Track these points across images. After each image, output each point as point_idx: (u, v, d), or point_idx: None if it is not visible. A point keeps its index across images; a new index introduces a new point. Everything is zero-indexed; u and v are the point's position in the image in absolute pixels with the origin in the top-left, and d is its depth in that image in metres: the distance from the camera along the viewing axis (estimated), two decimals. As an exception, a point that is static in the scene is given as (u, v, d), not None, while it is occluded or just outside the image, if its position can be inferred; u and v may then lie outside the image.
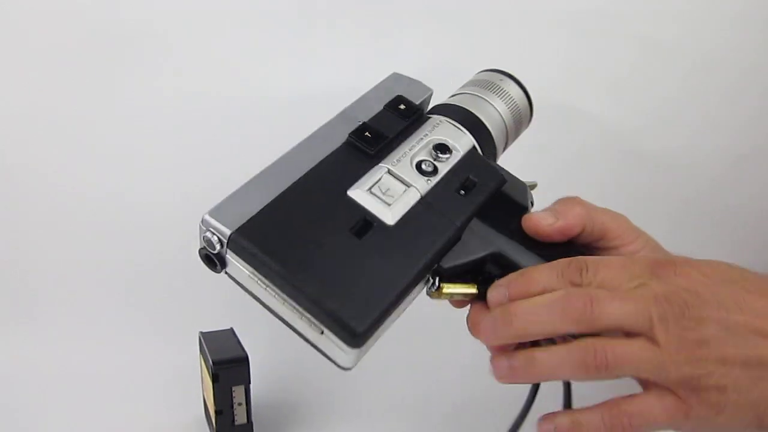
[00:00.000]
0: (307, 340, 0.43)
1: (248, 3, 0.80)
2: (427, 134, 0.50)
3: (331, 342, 0.41)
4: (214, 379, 0.61)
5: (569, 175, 0.71)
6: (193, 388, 0.70)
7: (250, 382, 0.62)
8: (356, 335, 0.40)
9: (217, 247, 0.43)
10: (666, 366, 0.39)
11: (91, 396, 0.73)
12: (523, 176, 0.53)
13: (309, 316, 0.41)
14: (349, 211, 0.45)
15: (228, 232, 0.42)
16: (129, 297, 0.83)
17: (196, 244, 0.77)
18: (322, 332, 0.41)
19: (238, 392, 0.62)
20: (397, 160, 0.48)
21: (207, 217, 0.43)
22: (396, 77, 0.54)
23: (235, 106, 0.82)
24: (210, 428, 0.67)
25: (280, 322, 0.44)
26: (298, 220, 0.44)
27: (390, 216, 0.45)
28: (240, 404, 0.63)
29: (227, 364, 0.62)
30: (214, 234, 0.42)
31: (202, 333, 0.67)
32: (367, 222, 0.44)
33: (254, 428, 0.64)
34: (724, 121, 0.74)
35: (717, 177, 0.74)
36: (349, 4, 0.78)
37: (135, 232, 0.83)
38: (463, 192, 0.48)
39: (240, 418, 0.63)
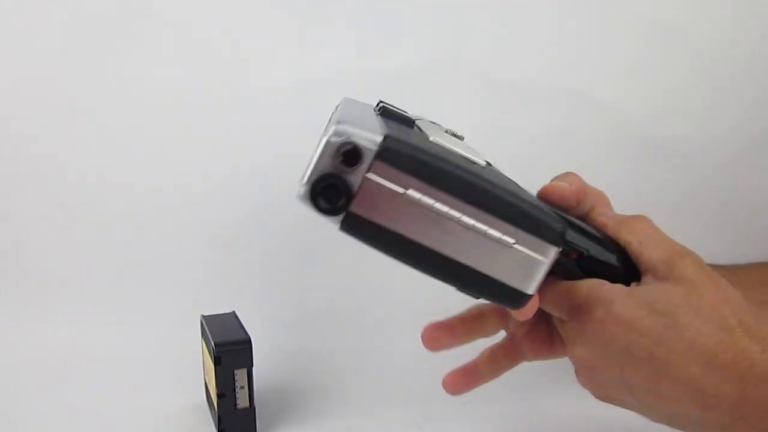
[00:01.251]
0: (476, 277, 0.37)
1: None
2: (431, 123, 0.49)
3: (523, 253, 0.37)
4: (216, 361, 0.61)
5: (575, 161, 0.71)
6: (194, 372, 0.70)
7: (252, 365, 0.62)
8: (559, 232, 0.38)
9: (366, 159, 0.35)
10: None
11: (92, 380, 0.73)
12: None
13: (502, 222, 0.37)
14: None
15: (379, 137, 0.35)
16: (130, 281, 0.83)
17: (199, 228, 0.77)
18: (514, 243, 0.37)
19: (240, 375, 0.62)
20: (433, 130, 0.45)
21: (342, 127, 0.35)
22: (350, 100, 0.51)
23: (236, 92, 0.81)
24: (211, 413, 0.66)
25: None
26: (424, 147, 0.37)
27: (480, 158, 0.41)
28: (242, 388, 0.62)
29: (229, 346, 0.61)
30: (360, 139, 0.34)
31: (203, 316, 0.67)
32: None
33: (257, 413, 0.63)
34: (733, 106, 0.73)
35: (726, 162, 0.73)
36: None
37: (136, 216, 0.82)
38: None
39: (242, 401, 0.62)
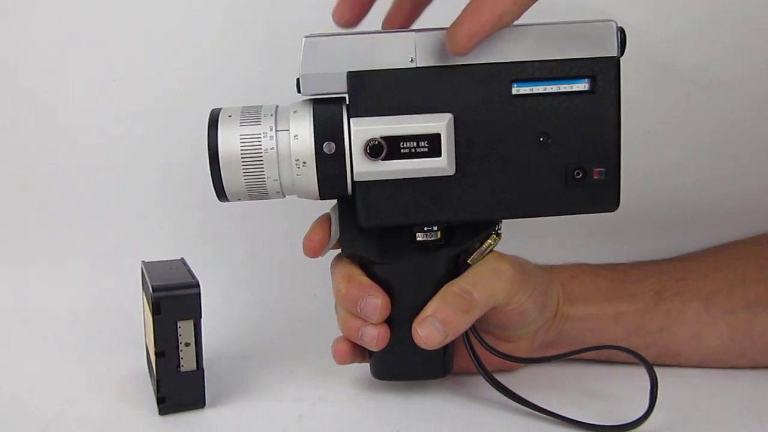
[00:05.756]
0: None
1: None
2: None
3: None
4: (155, 310, 0.48)
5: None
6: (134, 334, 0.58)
7: (201, 317, 0.49)
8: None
9: None
10: None
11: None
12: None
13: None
14: None
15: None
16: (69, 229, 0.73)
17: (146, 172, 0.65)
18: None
19: (185, 328, 0.49)
20: None
21: None
22: None
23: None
24: (151, 379, 0.54)
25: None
26: None
27: None
28: (188, 345, 0.49)
29: (171, 290, 0.49)
30: None
31: (144, 263, 0.54)
32: None
33: (205, 377, 0.51)
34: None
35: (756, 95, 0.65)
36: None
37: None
38: None
39: (188, 362, 0.50)
